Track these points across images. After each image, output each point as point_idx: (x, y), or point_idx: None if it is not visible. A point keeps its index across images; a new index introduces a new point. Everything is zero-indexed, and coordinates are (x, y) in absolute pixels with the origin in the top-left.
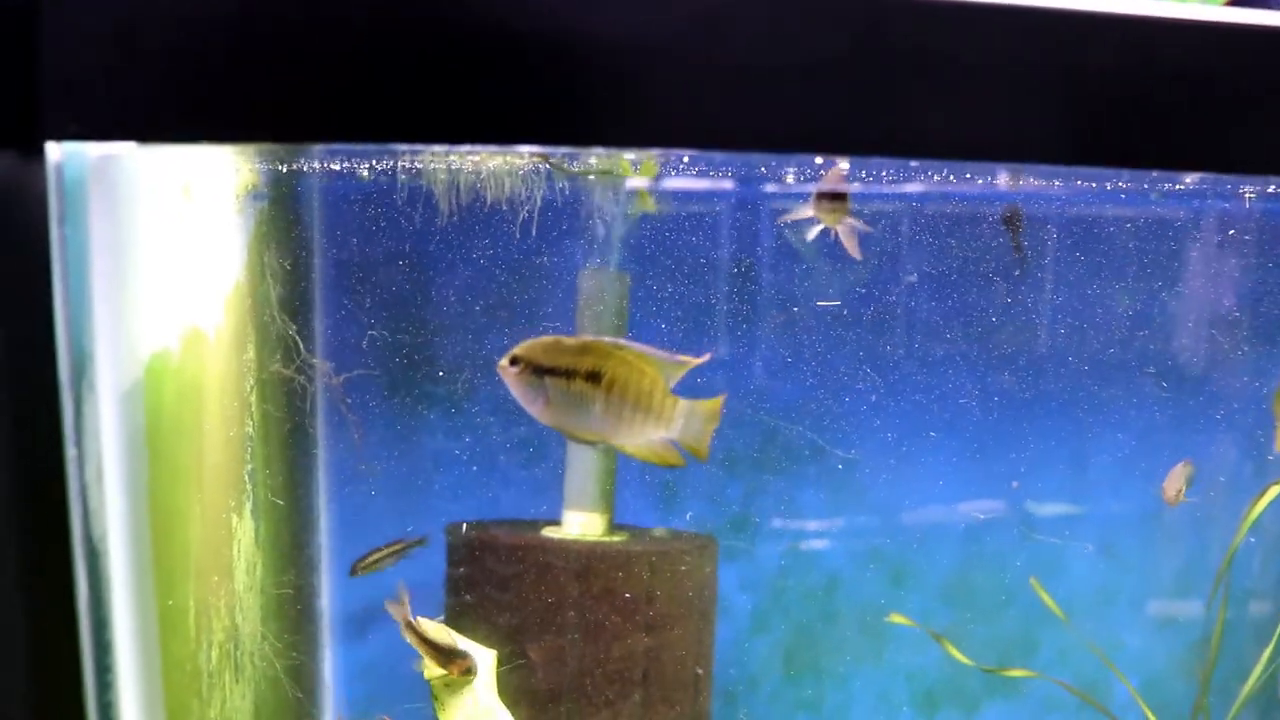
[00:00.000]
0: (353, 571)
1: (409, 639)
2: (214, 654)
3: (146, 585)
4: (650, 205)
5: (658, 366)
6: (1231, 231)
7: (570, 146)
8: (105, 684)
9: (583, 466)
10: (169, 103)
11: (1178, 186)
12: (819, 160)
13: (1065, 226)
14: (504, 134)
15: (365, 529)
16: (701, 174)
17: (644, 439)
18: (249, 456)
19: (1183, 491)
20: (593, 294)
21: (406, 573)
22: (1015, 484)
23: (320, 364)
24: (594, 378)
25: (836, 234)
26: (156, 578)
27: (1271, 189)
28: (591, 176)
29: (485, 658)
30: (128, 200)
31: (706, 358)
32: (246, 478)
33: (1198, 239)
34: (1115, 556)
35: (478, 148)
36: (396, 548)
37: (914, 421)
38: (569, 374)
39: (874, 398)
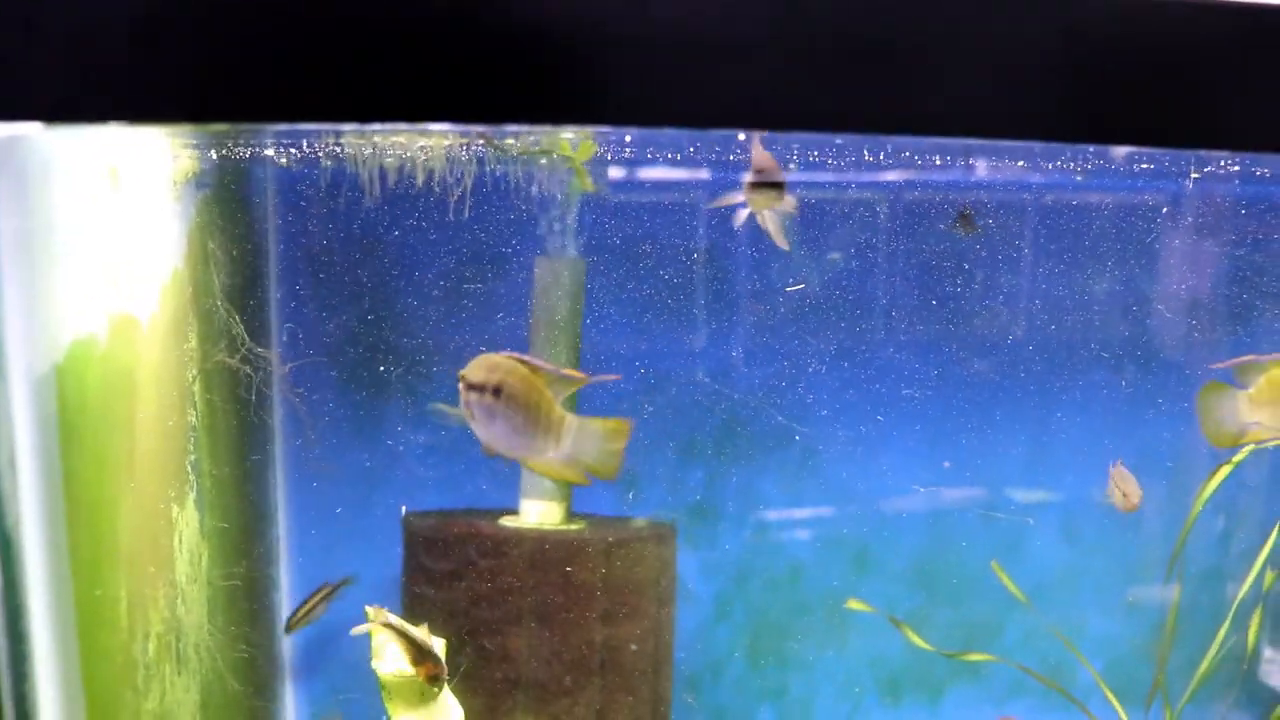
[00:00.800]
0: (288, 628)
1: (387, 633)
2: (151, 646)
3: (65, 574)
4: (589, 185)
5: (545, 382)
6: (1190, 214)
7: (512, 124)
8: (21, 674)
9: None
10: (75, 83)
11: (1130, 164)
12: (740, 137)
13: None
14: (423, 112)
15: (324, 520)
16: (646, 158)
17: (541, 456)
18: (192, 447)
19: (1131, 493)
20: (548, 281)
21: (365, 564)
22: (946, 464)
23: (269, 354)
24: (496, 392)
25: (763, 220)
26: (79, 567)
27: (1230, 167)
28: (530, 157)
29: (434, 646)
30: (41, 184)
31: (608, 378)
32: (189, 468)
33: (1154, 222)
34: (1070, 540)
35: (391, 127)
36: (325, 592)
37: (876, 405)
38: (481, 389)
39: (833, 382)
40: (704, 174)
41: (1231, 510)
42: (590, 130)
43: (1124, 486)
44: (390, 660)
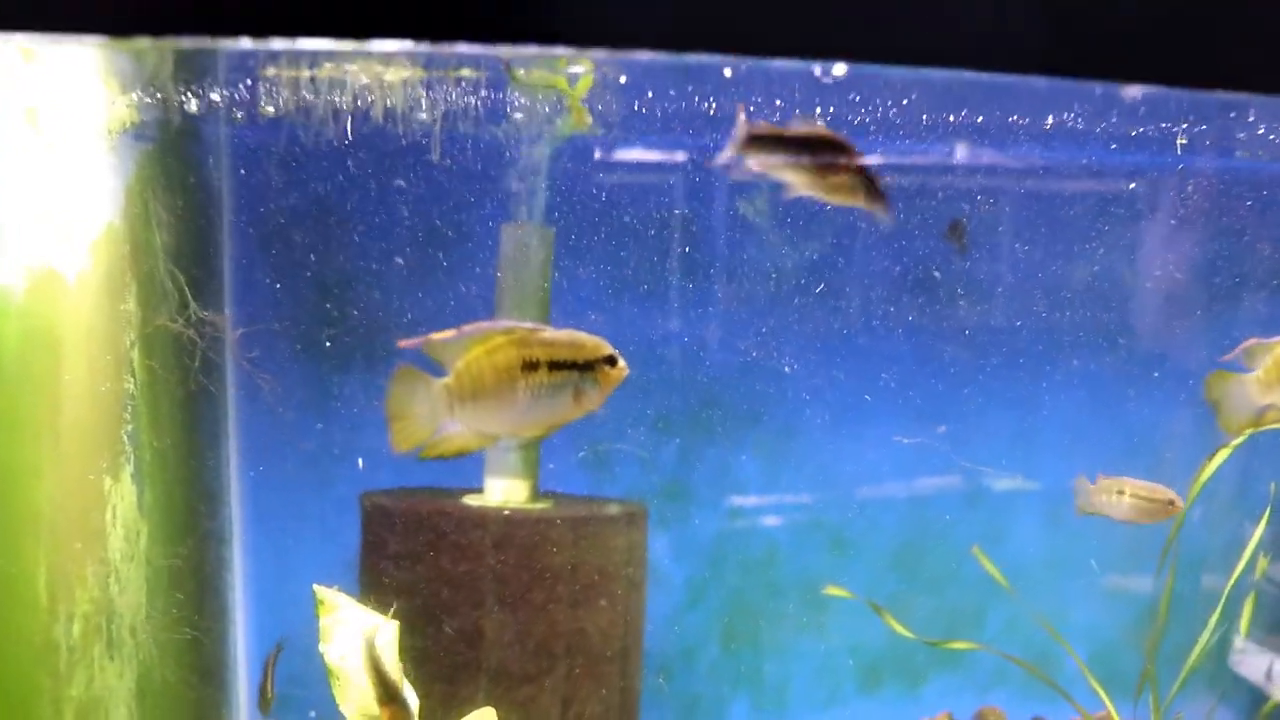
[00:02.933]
0: (263, 709)
1: (365, 669)
2: (76, 627)
3: None
4: (585, 123)
5: None
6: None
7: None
8: None
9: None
10: None
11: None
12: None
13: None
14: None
15: (278, 497)
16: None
17: None
18: (129, 416)
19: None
20: (514, 250)
21: (324, 545)
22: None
23: (220, 320)
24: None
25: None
26: None
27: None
28: (521, 89)
29: (386, 631)
30: None
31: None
32: (125, 439)
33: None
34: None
35: (346, 45)
36: (269, 663)
37: (860, 384)
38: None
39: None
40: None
41: (1218, 498)
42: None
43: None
44: (338, 645)
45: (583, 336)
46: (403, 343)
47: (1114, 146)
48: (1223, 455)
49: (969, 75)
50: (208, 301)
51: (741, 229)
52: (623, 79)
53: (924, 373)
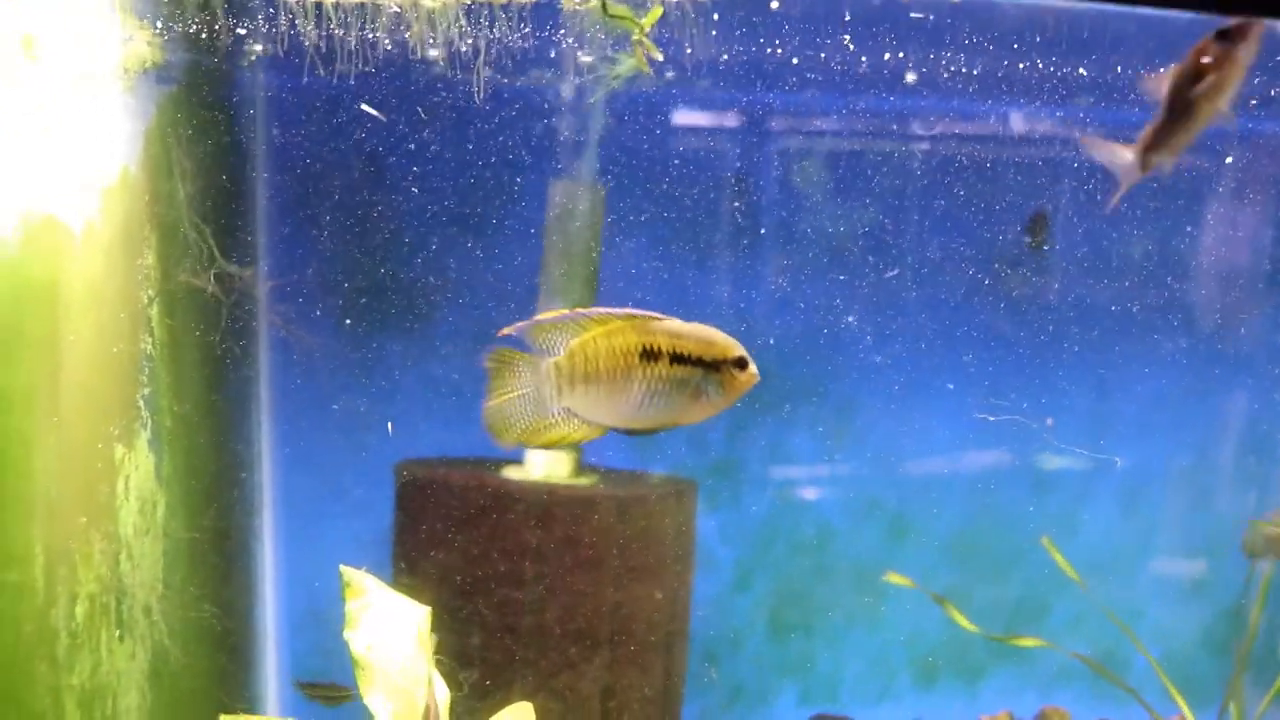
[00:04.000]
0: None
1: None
2: (79, 610)
3: None
4: (644, 64)
5: None
6: None
7: None
8: None
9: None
10: None
11: None
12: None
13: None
14: None
15: (312, 465)
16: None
17: None
18: (147, 379)
19: None
20: (562, 208)
21: (358, 516)
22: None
23: (246, 274)
24: None
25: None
26: None
27: None
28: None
29: (416, 616)
30: None
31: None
32: (142, 403)
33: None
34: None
35: None
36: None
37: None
38: None
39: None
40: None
41: None
42: None
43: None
44: (365, 633)
45: (713, 333)
46: (505, 329)
47: None
48: None
49: None
50: (237, 257)
51: (800, 194)
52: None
53: (997, 350)
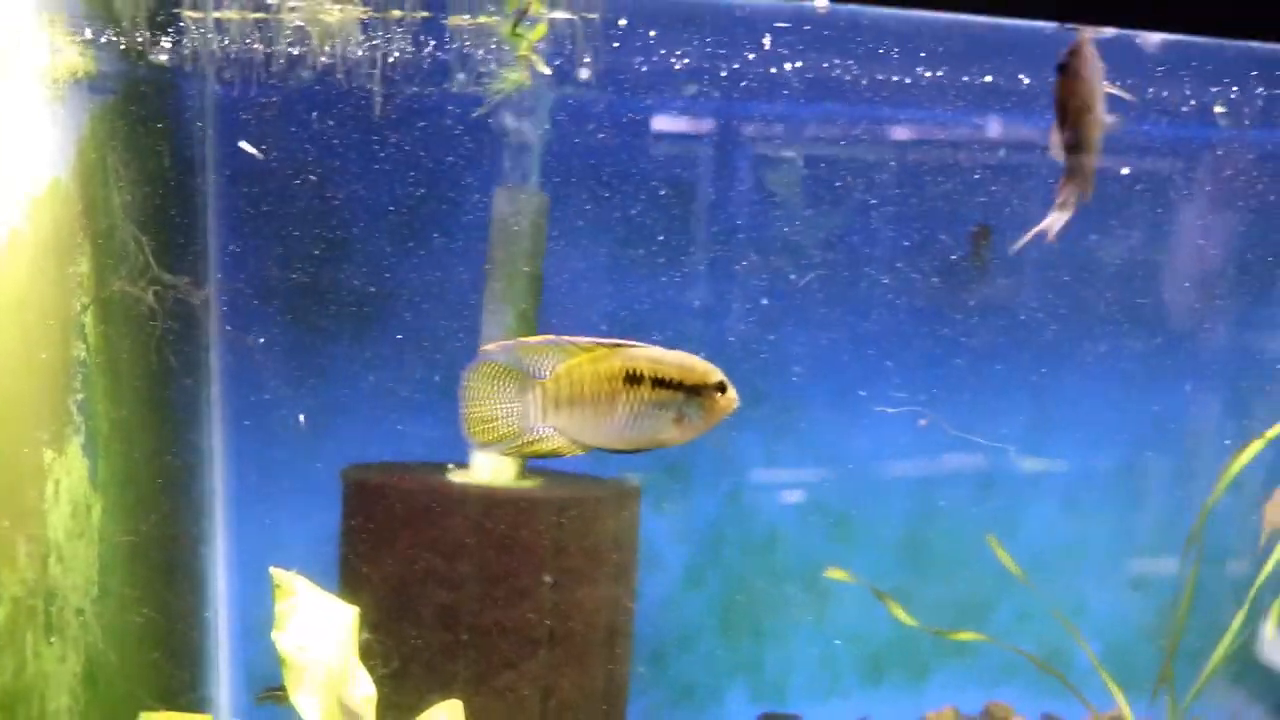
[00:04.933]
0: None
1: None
2: (1, 612)
3: None
4: (525, 78)
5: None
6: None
7: None
8: None
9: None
10: None
11: None
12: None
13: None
14: None
15: (263, 469)
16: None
17: None
18: (80, 385)
19: None
20: (506, 215)
21: (304, 522)
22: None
23: (183, 282)
24: None
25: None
26: None
27: None
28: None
29: (344, 616)
30: None
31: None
32: (74, 409)
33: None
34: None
35: None
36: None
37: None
38: None
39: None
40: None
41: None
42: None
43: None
44: (294, 633)
45: (693, 360)
46: (488, 346)
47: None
48: (1255, 448)
49: None
50: (180, 264)
51: (740, 199)
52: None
53: (935, 352)
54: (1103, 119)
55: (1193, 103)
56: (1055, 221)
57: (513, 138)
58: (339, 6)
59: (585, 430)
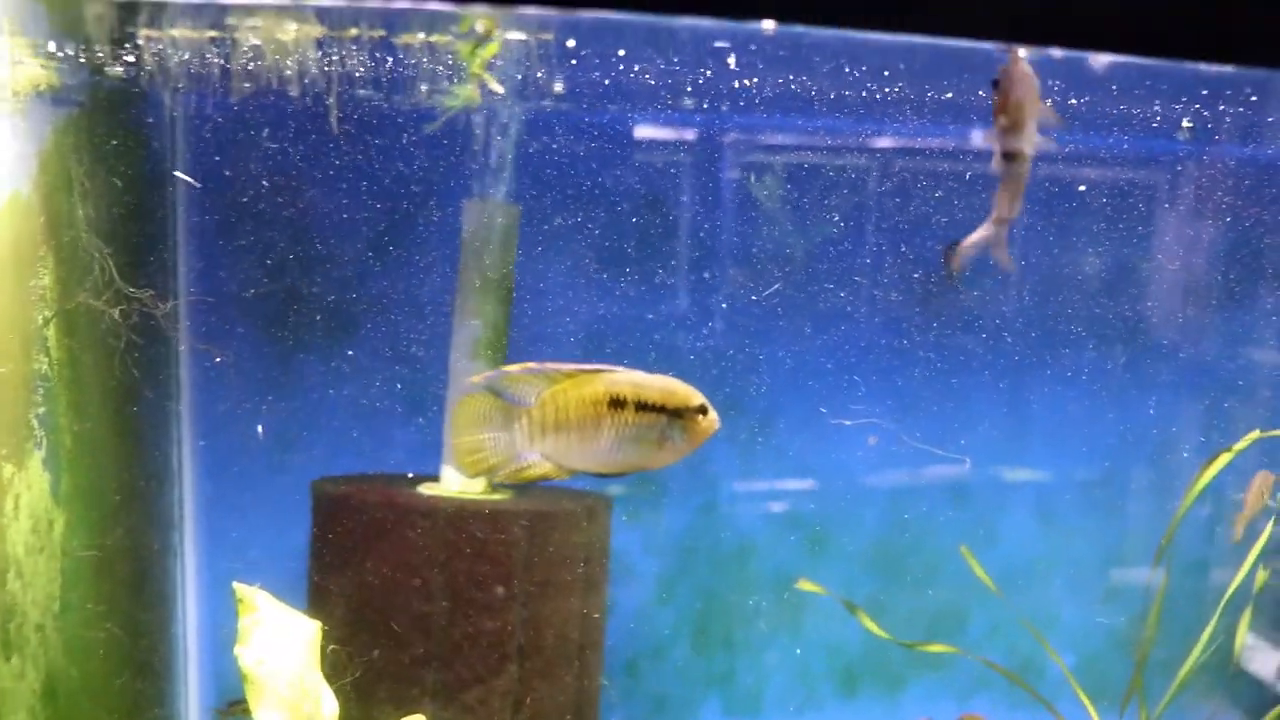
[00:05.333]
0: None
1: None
2: None
3: None
4: (475, 94)
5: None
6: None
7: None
8: None
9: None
10: None
11: None
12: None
13: None
14: None
15: (232, 482)
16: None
17: None
18: (41, 398)
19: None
20: (477, 227)
21: (275, 535)
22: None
23: (147, 296)
24: None
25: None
26: None
27: None
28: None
29: (306, 631)
30: None
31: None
32: (36, 422)
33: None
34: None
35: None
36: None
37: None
38: None
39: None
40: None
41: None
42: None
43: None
44: (255, 649)
45: (675, 384)
46: (476, 378)
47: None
48: (1223, 460)
49: None
50: (149, 277)
51: (709, 213)
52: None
53: (909, 364)
54: (1033, 137)
55: (1159, 119)
56: (987, 236)
57: (483, 151)
58: (296, 25)
59: (571, 455)
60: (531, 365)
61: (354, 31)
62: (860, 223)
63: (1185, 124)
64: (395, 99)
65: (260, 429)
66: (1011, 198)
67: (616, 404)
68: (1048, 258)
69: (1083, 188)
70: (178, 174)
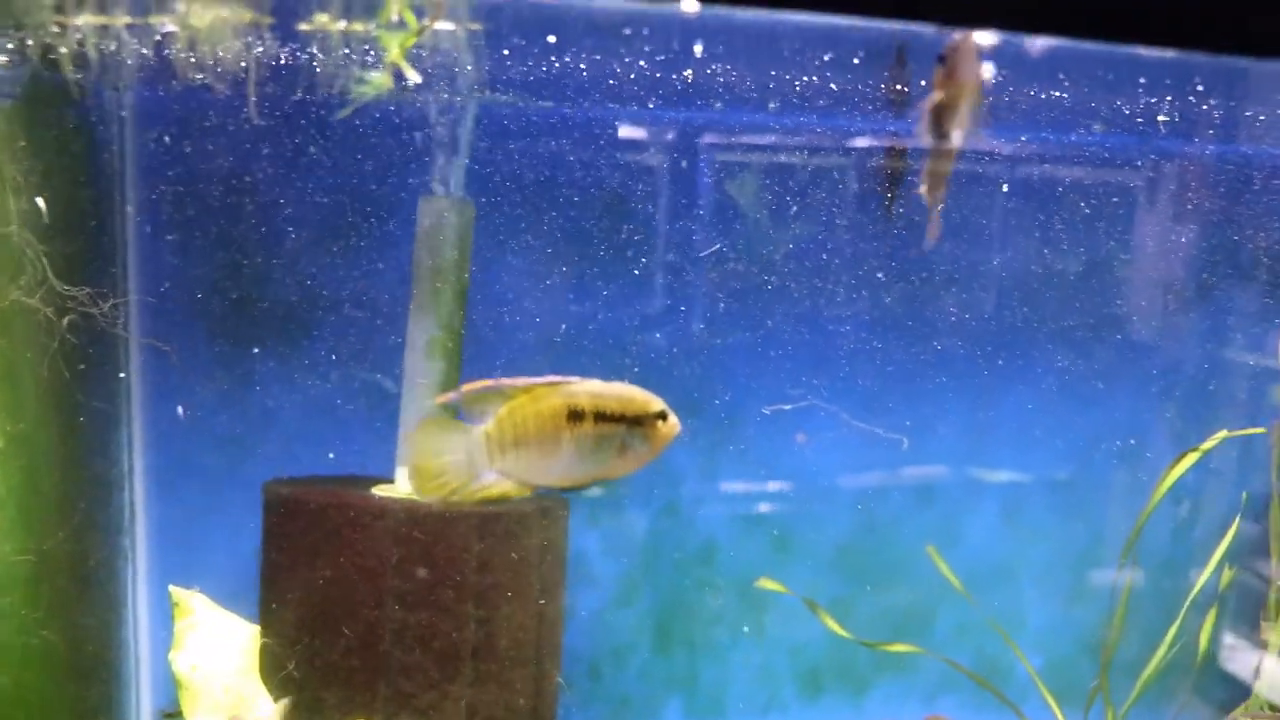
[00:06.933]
0: None
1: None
2: None
3: None
4: (388, 82)
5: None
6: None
7: None
8: None
9: (416, 418)
10: None
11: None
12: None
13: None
14: None
15: (185, 484)
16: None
17: None
18: None
19: None
20: (431, 225)
21: (229, 538)
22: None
23: (81, 293)
24: None
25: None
26: None
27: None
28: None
29: (243, 635)
30: None
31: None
32: None
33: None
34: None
35: None
36: None
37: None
38: None
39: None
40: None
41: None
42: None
43: None
44: (190, 653)
45: (633, 391)
46: (440, 398)
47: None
48: (1190, 459)
49: None
50: (90, 276)
51: (672, 206)
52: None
53: (874, 361)
54: (965, 120)
55: (1126, 111)
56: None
57: (439, 146)
58: (211, 11)
59: (532, 471)
60: (486, 383)
61: (269, 20)
62: (823, 221)
63: (1154, 117)
64: (308, 89)
65: (180, 409)
66: (934, 184)
67: (575, 416)
68: (1009, 257)
69: (1047, 185)
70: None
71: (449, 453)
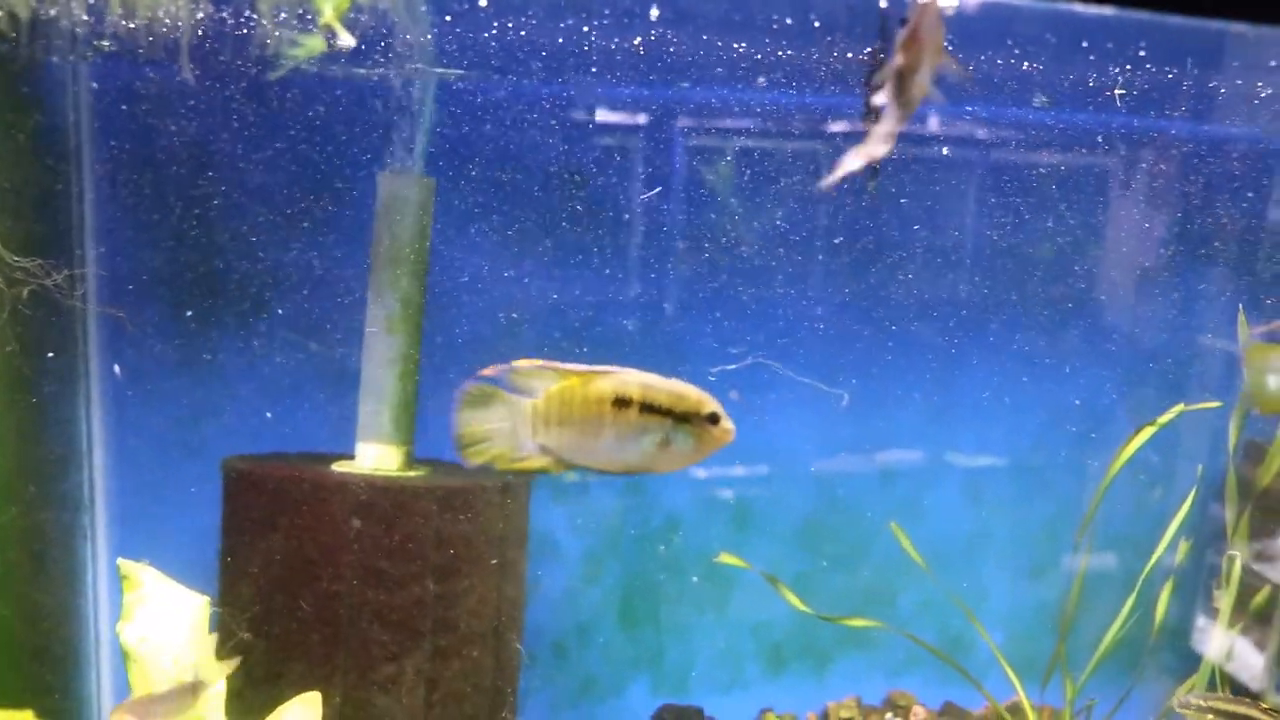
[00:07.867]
0: None
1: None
2: None
3: None
4: (319, 44)
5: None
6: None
7: None
8: None
9: (376, 394)
10: None
11: None
12: None
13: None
14: None
15: (145, 462)
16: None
17: None
18: None
19: None
20: (390, 201)
21: (189, 515)
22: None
23: (33, 266)
24: None
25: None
26: None
27: None
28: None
29: (192, 606)
30: None
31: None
32: None
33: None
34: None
35: None
36: None
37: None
38: None
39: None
40: None
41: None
42: None
43: None
44: (139, 625)
45: (687, 389)
46: (487, 370)
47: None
48: (1146, 434)
49: None
50: (45, 249)
51: (626, 187)
52: None
53: (835, 340)
54: (924, 86)
55: (1092, 85)
56: (853, 161)
57: (398, 121)
58: None
59: (573, 450)
60: (539, 362)
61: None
62: (785, 199)
63: (1115, 90)
64: (244, 55)
65: (117, 368)
66: (880, 139)
67: (621, 403)
68: (977, 235)
69: (1007, 161)
70: None
71: (495, 420)
